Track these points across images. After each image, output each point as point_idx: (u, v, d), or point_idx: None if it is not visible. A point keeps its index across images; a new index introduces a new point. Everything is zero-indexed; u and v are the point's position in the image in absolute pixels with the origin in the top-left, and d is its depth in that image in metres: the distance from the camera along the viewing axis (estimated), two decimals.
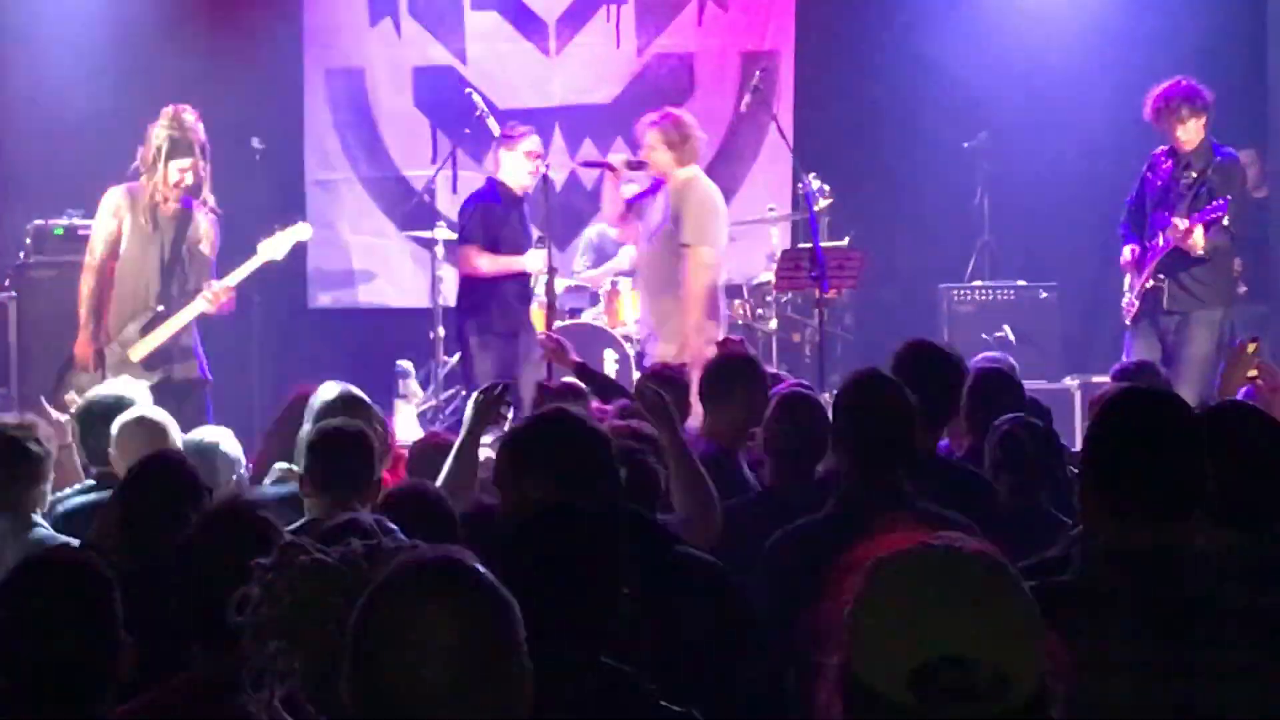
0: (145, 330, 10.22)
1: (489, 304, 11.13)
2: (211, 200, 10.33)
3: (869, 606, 2.46)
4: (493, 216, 11.19)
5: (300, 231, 10.61)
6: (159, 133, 10.17)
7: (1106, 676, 3.40)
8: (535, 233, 11.33)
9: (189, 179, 10.21)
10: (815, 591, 4.12)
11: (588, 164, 12.34)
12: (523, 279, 11.27)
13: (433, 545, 2.80)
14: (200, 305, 10.20)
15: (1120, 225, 11.07)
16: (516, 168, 11.25)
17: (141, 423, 6.94)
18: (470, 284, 11.21)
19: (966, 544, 2.52)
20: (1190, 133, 10.66)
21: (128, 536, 5.24)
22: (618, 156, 11.25)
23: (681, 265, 10.42)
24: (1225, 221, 10.45)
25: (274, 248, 10.46)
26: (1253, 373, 6.46)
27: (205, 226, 10.33)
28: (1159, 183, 10.79)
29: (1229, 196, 10.43)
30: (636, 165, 10.90)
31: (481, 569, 2.65)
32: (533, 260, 11.19)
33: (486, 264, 11.13)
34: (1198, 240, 10.38)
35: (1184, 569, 3.55)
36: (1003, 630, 2.41)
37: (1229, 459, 4.06)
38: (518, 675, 2.62)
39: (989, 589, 2.45)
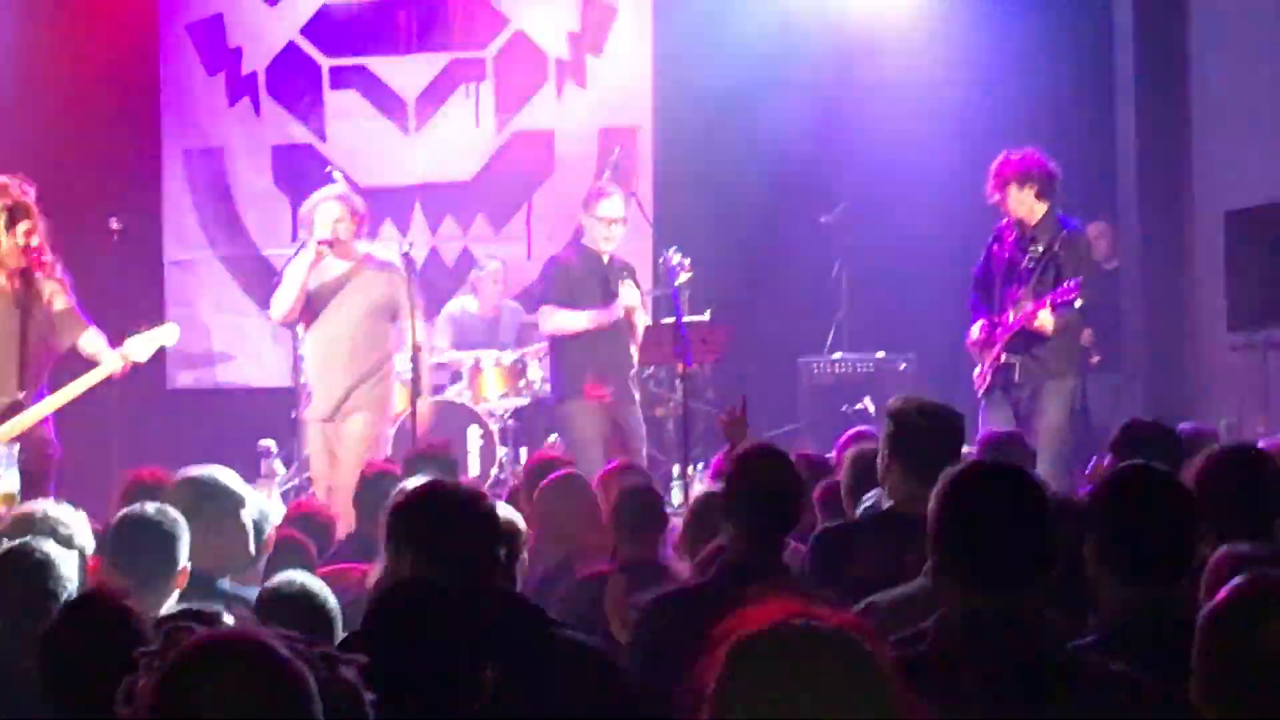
0: (3, 418, 10.01)
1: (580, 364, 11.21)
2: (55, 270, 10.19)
3: (730, 687, 2.52)
4: (569, 276, 11.31)
5: (167, 334, 10.45)
6: None
7: None
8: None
9: (34, 241, 10.07)
10: (686, 661, 4.17)
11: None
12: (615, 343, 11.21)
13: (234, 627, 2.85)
14: (109, 368, 10.09)
15: (968, 299, 11.18)
16: (592, 230, 11.35)
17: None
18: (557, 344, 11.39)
19: (826, 621, 2.58)
20: (1020, 204, 10.75)
21: None
22: None
23: None
24: (1078, 304, 10.55)
25: (138, 348, 10.31)
26: None
27: (53, 285, 10.14)
28: (1005, 255, 10.87)
29: (1080, 277, 10.54)
30: None
31: (271, 642, 2.70)
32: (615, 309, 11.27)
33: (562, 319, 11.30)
34: (1045, 322, 10.50)
35: (1030, 635, 3.63)
36: (858, 707, 2.48)
37: (1134, 520, 4.18)
38: None
39: (849, 664, 2.52)
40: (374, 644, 3.76)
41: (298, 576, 5.46)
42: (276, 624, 4.03)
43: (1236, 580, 3.36)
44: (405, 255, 11.25)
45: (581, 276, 11.29)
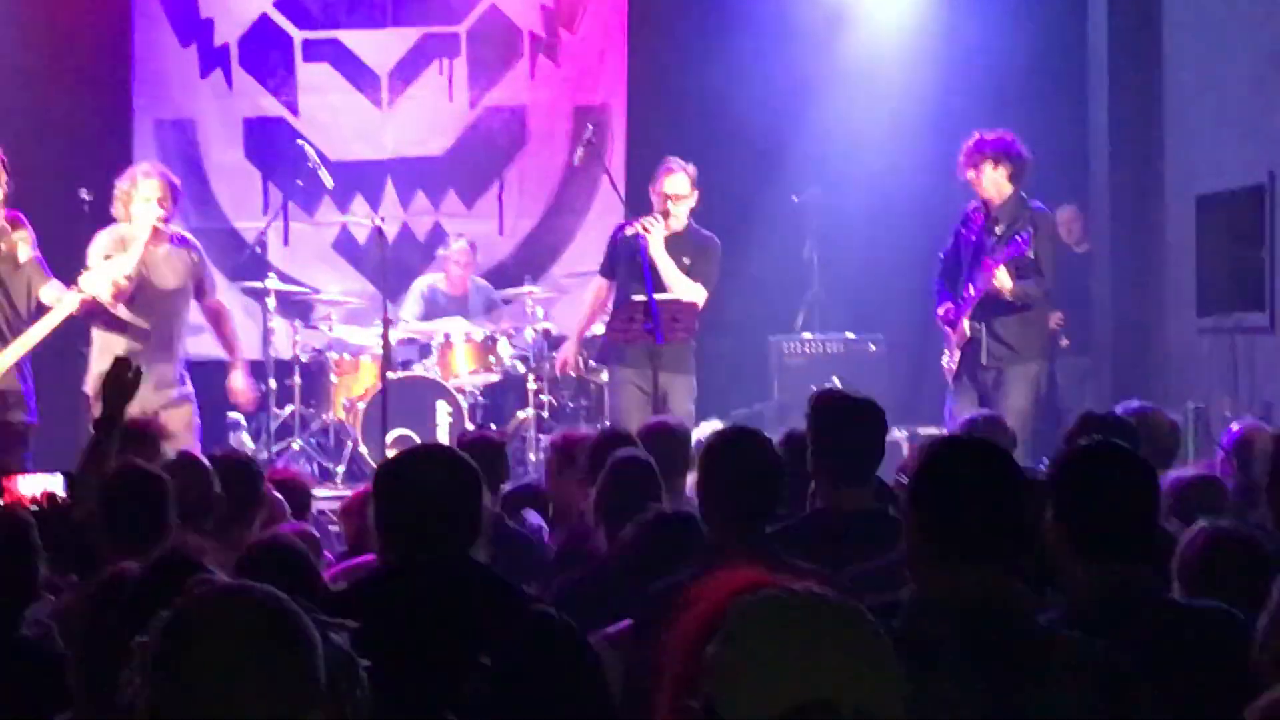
0: None
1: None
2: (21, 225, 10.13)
3: (735, 650, 2.54)
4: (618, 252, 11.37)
5: (121, 265, 10.36)
6: None
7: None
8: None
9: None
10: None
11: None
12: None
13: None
14: (67, 306, 10.04)
15: (935, 280, 11.20)
16: (657, 207, 11.31)
17: None
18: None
19: (826, 590, 2.61)
20: (992, 184, 10.79)
21: None
22: None
23: None
24: (1033, 256, 10.57)
25: (92, 281, 10.27)
26: None
27: (18, 236, 10.09)
28: (972, 238, 10.90)
29: (1031, 230, 10.55)
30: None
31: (276, 595, 2.72)
32: None
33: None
34: (1003, 281, 10.51)
35: (1006, 612, 3.64)
36: (867, 674, 2.51)
37: (1103, 496, 4.20)
38: (306, 698, 2.68)
39: (852, 633, 2.55)
40: (369, 628, 3.77)
41: (280, 535, 5.47)
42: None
43: None
44: (377, 229, 11.22)
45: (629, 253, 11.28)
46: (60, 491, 5.71)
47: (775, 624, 2.54)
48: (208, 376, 11.21)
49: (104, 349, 10.33)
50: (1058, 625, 3.76)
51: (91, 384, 10.20)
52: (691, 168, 11.40)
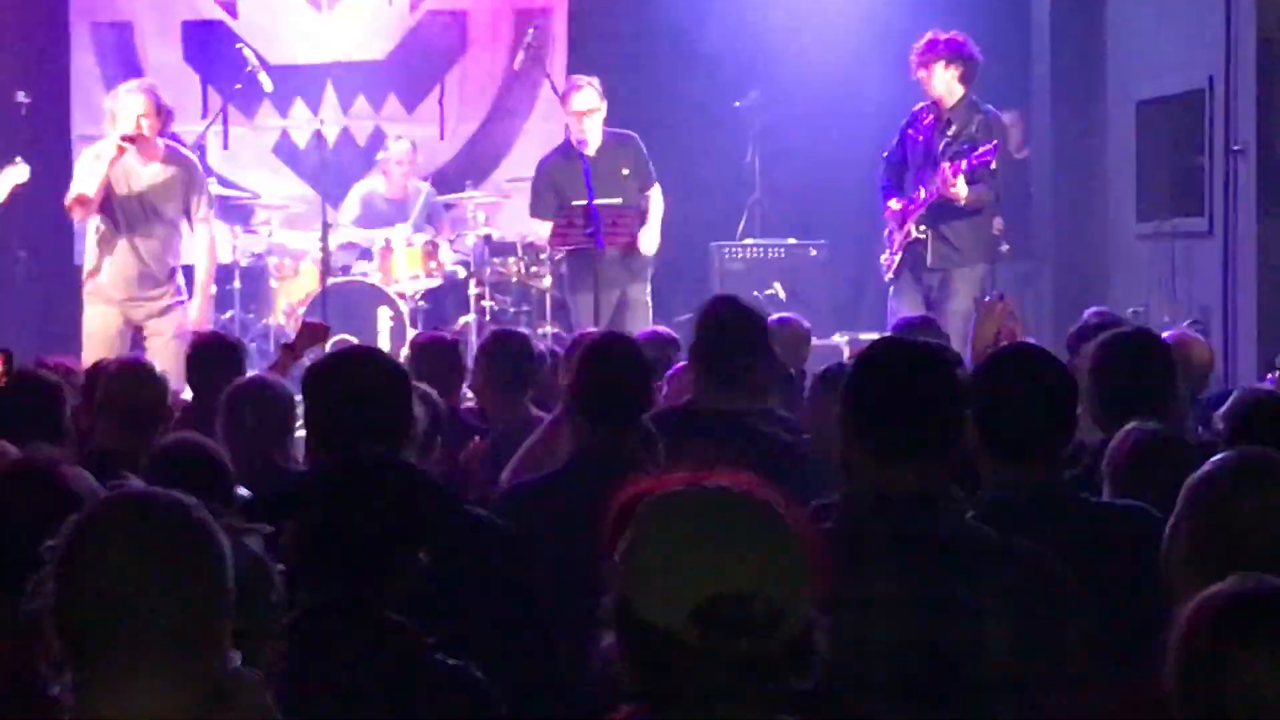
0: None
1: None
2: None
3: (647, 545, 2.56)
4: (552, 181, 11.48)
5: (16, 174, 10.37)
6: None
7: (866, 615, 3.51)
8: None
9: None
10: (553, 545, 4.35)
11: None
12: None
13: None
14: None
15: (880, 178, 11.23)
16: (571, 127, 11.43)
17: None
18: None
19: (736, 485, 2.62)
20: (943, 84, 10.82)
21: None
22: None
23: None
24: (993, 166, 10.61)
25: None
26: (1000, 330, 6.71)
27: None
28: (920, 139, 10.93)
29: (996, 142, 10.59)
30: None
31: (184, 500, 2.74)
32: None
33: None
34: (961, 189, 10.53)
35: (936, 512, 3.68)
36: (776, 567, 2.54)
37: (1012, 399, 4.25)
38: (214, 600, 2.71)
39: (762, 528, 2.58)
40: (306, 525, 3.79)
41: (189, 436, 5.46)
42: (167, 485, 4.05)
43: (1223, 454, 3.63)
44: (317, 132, 11.17)
45: (569, 177, 11.26)
46: None
47: (684, 519, 2.57)
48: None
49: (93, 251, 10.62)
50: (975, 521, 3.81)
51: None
52: (595, 79, 11.45)
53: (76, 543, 2.69)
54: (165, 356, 9.67)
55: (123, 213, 10.54)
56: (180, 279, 10.88)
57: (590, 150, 11.29)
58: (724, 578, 2.50)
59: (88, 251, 10.76)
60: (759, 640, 2.49)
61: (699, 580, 2.50)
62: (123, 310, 10.62)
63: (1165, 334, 7.79)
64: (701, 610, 2.48)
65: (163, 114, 10.57)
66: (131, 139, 10.34)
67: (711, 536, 2.53)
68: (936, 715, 3.57)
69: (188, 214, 10.75)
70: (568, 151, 11.45)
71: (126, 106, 10.44)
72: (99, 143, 10.55)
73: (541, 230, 11.61)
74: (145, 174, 10.55)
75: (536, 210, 11.64)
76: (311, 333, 8.65)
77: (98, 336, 10.45)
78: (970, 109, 10.83)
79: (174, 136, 10.80)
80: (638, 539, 2.56)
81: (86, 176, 10.40)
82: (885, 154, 11.19)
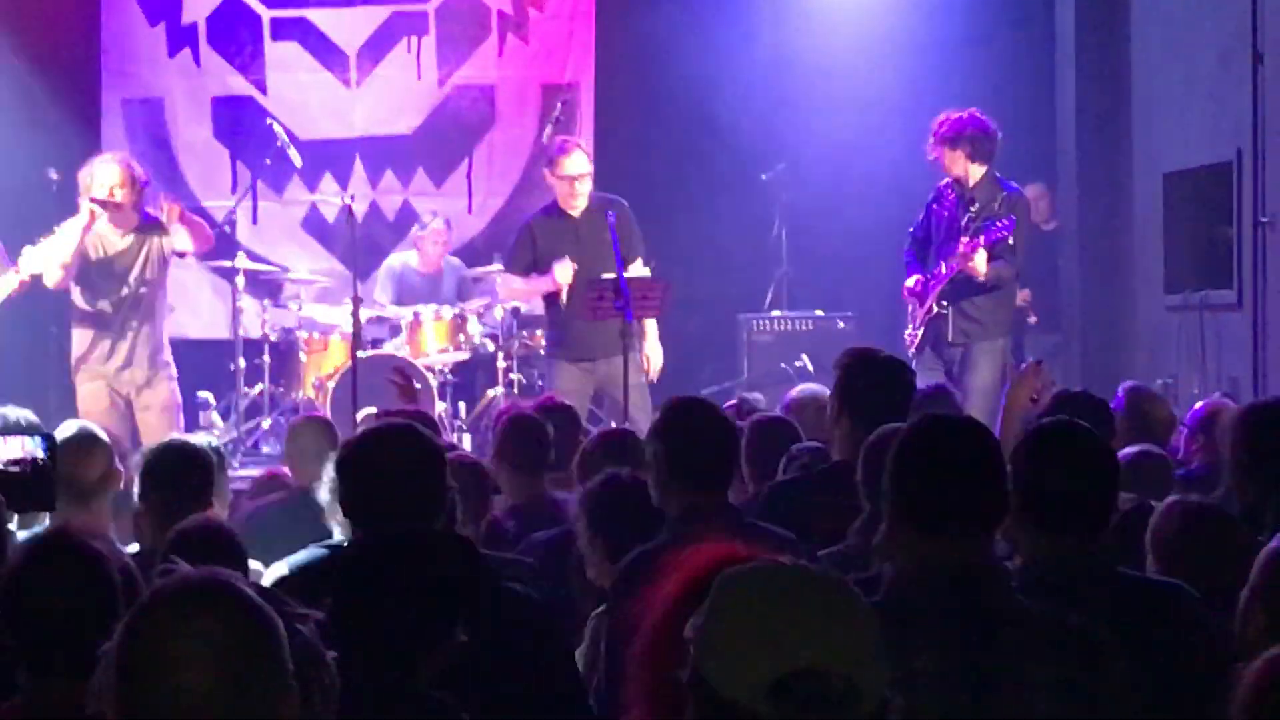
0: None
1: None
2: None
3: (723, 620, 2.55)
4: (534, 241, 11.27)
5: (6, 284, 10.33)
6: None
7: (914, 690, 3.50)
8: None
9: None
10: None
11: None
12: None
13: (198, 567, 2.85)
14: (7, 285, 10.08)
15: (905, 253, 11.24)
16: (558, 190, 11.25)
17: None
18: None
19: (806, 564, 2.64)
20: (955, 165, 10.84)
21: None
22: None
23: None
24: (1011, 241, 10.61)
25: (29, 259, 10.32)
26: (1035, 396, 6.68)
27: None
28: (944, 214, 10.94)
29: (1015, 216, 10.61)
30: None
31: (242, 586, 2.71)
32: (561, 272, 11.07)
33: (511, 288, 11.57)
34: (979, 265, 10.53)
35: (986, 584, 3.68)
36: (853, 644, 2.54)
37: (1058, 471, 4.25)
38: (276, 690, 2.67)
39: (839, 604, 2.57)
40: (343, 602, 3.79)
41: (205, 517, 5.49)
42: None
43: None
44: (347, 208, 11.21)
45: (553, 239, 11.20)
46: (39, 453, 5.74)
47: (762, 595, 2.56)
48: (177, 355, 11.18)
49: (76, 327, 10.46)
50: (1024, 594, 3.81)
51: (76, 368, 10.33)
52: (584, 141, 11.42)
53: (136, 640, 2.66)
54: (155, 429, 9.67)
55: (101, 283, 10.51)
56: (168, 352, 10.82)
57: (576, 213, 11.22)
58: (801, 654, 2.49)
59: (73, 327, 10.72)
60: (833, 715, 2.48)
61: (775, 656, 2.49)
62: (110, 384, 10.60)
63: (1199, 402, 7.88)
64: (777, 687, 2.47)
65: (137, 185, 10.53)
66: (103, 203, 10.28)
67: (789, 612, 2.53)
68: None
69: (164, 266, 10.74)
70: (555, 211, 11.33)
71: (102, 176, 10.39)
72: (72, 219, 10.50)
73: (512, 285, 11.52)
74: (120, 244, 10.52)
75: (511, 265, 11.45)
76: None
77: (93, 414, 10.38)
78: (993, 186, 10.83)
79: (145, 215, 10.70)
80: (714, 612, 2.56)
81: (59, 243, 10.33)
82: (911, 230, 11.20)
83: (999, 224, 10.51)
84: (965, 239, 10.60)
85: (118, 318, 10.55)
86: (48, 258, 10.29)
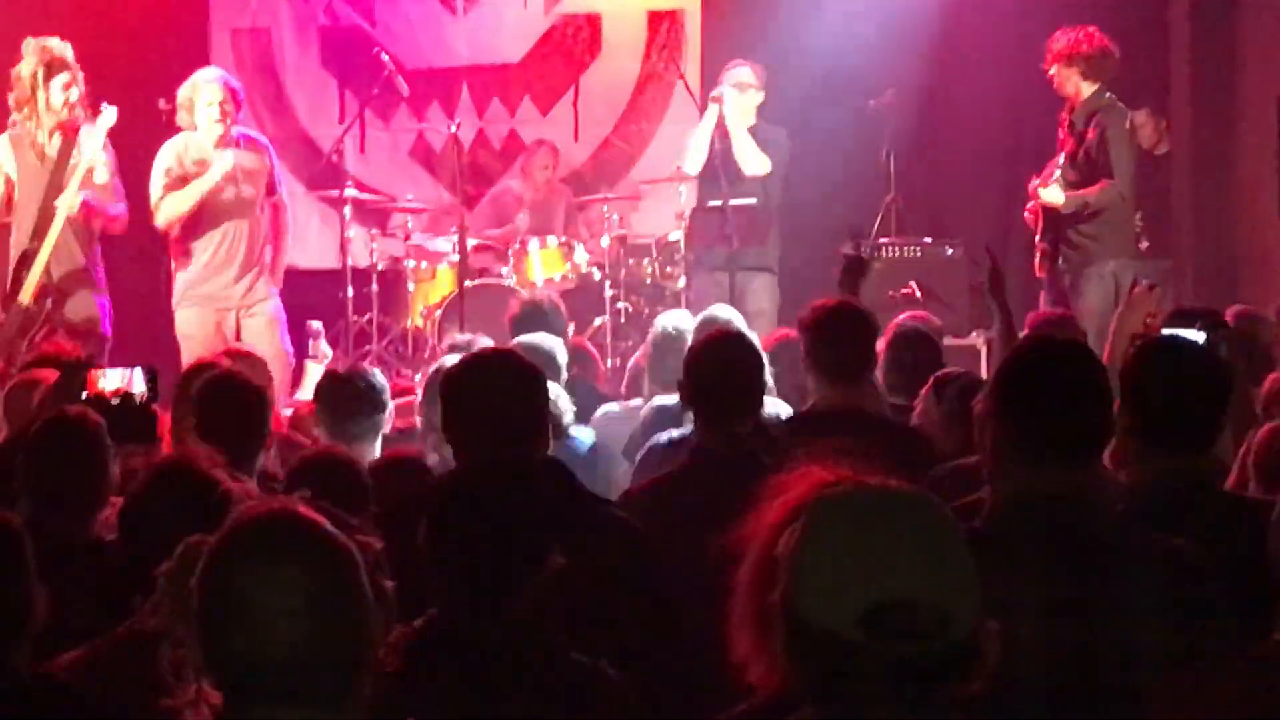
0: (19, 267, 10.10)
1: None
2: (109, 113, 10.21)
3: (814, 545, 2.54)
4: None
5: (107, 118, 10.35)
6: (27, 63, 10.05)
7: (1014, 617, 3.47)
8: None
9: (74, 95, 10.07)
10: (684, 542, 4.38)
11: None
12: None
13: (266, 498, 2.85)
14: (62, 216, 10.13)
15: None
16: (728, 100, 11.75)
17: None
18: None
19: (903, 485, 2.62)
20: (1068, 84, 10.80)
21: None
22: None
23: None
24: (1083, 154, 10.59)
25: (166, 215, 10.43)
26: (1150, 318, 6.58)
27: (96, 151, 10.19)
28: (1061, 138, 10.98)
29: (1100, 126, 10.59)
30: None
31: (316, 520, 2.72)
32: None
33: None
34: (1051, 199, 10.56)
35: (1089, 512, 3.65)
36: (946, 573, 2.53)
37: (1167, 390, 4.22)
38: (360, 621, 2.71)
39: (932, 530, 2.56)
40: (441, 528, 3.82)
41: (332, 447, 5.53)
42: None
43: None
44: (453, 136, 11.21)
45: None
46: (141, 387, 5.79)
47: (856, 521, 2.55)
48: (287, 284, 11.24)
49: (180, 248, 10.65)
50: (1125, 518, 3.78)
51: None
52: (759, 66, 11.45)
53: (214, 566, 2.69)
54: (261, 344, 9.72)
55: (203, 207, 10.55)
56: (268, 270, 10.87)
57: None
58: (891, 582, 2.48)
59: (173, 252, 10.76)
60: (924, 644, 2.47)
61: (866, 583, 2.49)
62: (215, 306, 10.65)
63: None
64: (868, 614, 2.47)
65: (237, 100, 10.62)
66: (230, 176, 10.43)
67: (881, 539, 2.52)
68: (1084, 718, 3.55)
69: (269, 193, 10.81)
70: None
71: (206, 95, 10.47)
72: (180, 138, 10.59)
73: None
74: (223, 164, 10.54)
75: None
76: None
77: (195, 339, 10.46)
78: (1093, 104, 10.81)
79: (243, 135, 10.80)
80: (805, 538, 2.55)
81: (178, 197, 10.43)
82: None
83: (1086, 143, 10.49)
84: (1036, 180, 10.62)
85: (221, 239, 10.61)
86: (178, 210, 10.43)
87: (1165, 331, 5.69)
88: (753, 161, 11.48)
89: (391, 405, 7.06)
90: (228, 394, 5.98)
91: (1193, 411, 4.26)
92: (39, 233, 10.10)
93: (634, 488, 5.67)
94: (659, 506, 5.15)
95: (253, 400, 5.94)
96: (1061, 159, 10.73)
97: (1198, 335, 5.34)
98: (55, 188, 10.09)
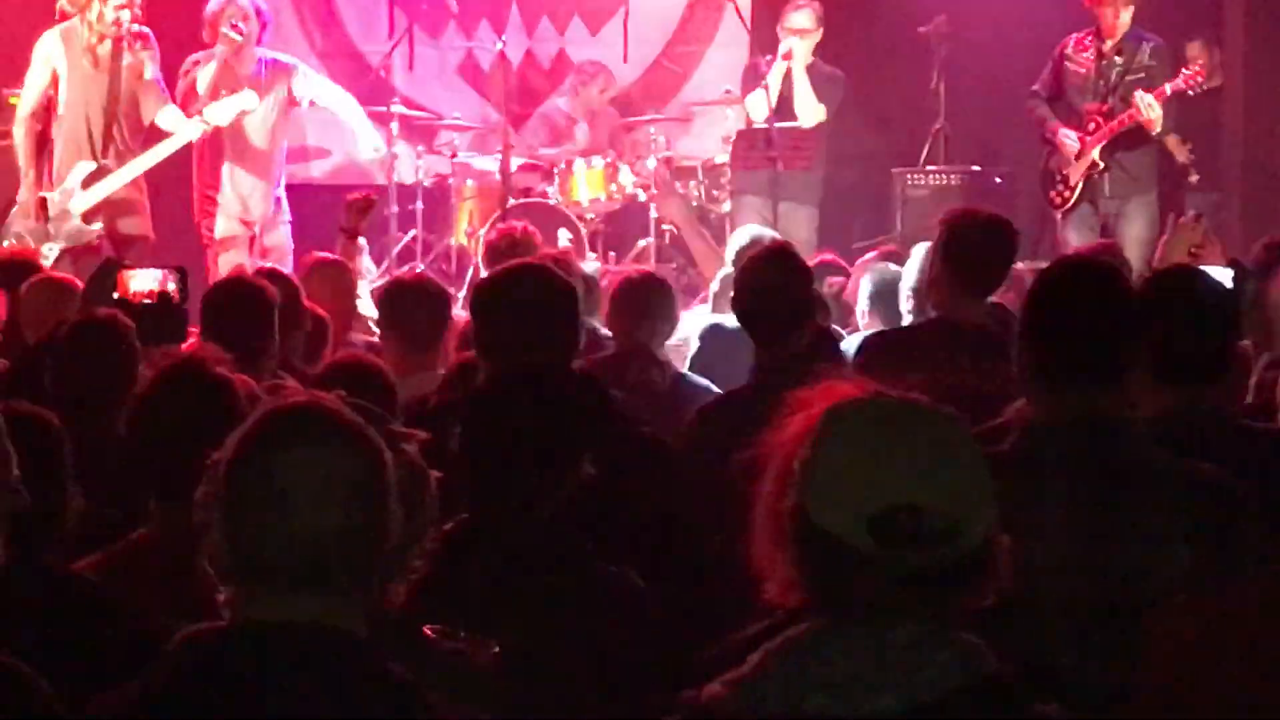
0: (88, 183, 10.14)
1: None
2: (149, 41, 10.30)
3: (827, 452, 2.53)
4: None
5: (246, 100, 10.48)
6: None
7: (1039, 541, 3.48)
8: None
9: (125, 17, 10.11)
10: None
11: None
12: None
13: (295, 390, 2.87)
14: (186, 135, 10.27)
15: (1034, 109, 11.23)
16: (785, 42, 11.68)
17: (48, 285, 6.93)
18: None
19: (920, 397, 2.61)
20: (1113, 13, 10.74)
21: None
22: None
23: None
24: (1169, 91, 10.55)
25: (218, 112, 10.42)
26: (1195, 248, 6.53)
27: (144, 55, 10.25)
28: (1081, 71, 10.89)
29: (1178, 68, 10.58)
30: None
31: (345, 411, 2.74)
32: None
33: None
34: (1155, 116, 10.52)
35: (1116, 436, 3.64)
36: (954, 481, 2.51)
37: (1176, 320, 4.18)
38: (385, 520, 2.72)
39: (945, 441, 2.55)
40: (473, 431, 3.84)
41: (359, 353, 5.56)
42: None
43: None
44: (501, 54, 11.18)
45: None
46: (172, 286, 5.83)
47: (867, 428, 2.54)
48: (333, 198, 11.26)
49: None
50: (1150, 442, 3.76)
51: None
52: (818, 4, 11.37)
53: (248, 447, 2.70)
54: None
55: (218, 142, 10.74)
56: (283, 194, 11.09)
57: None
58: (900, 488, 2.47)
59: (196, 165, 10.96)
60: (932, 554, 2.46)
61: (874, 489, 2.47)
62: (240, 219, 10.86)
63: None
64: (875, 520, 2.46)
65: (261, 19, 10.68)
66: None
67: (892, 447, 2.51)
68: (1106, 640, 3.55)
69: (297, 103, 11.03)
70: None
71: (228, 13, 10.53)
72: (213, 54, 10.66)
73: None
74: (247, 83, 10.63)
75: None
76: (360, 207, 9.15)
77: (229, 250, 10.63)
78: (1135, 38, 10.74)
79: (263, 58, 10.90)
80: (817, 445, 2.53)
81: (237, 106, 10.50)
82: (1037, 86, 11.12)
83: (1186, 74, 10.44)
84: (1143, 96, 10.52)
85: (241, 158, 10.77)
86: (235, 108, 10.47)
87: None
88: (810, 113, 11.43)
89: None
90: (234, 297, 6.00)
91: (1199, 342, 4.22)
92: (110, 149, 10.18)
93: (703, 407, 5.65)
94: (727, 424, 5.12)
95: (260, 302, 5.94)
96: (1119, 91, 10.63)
97: (1224, 273, 5.29)
98: (113, 97, 10.15)
